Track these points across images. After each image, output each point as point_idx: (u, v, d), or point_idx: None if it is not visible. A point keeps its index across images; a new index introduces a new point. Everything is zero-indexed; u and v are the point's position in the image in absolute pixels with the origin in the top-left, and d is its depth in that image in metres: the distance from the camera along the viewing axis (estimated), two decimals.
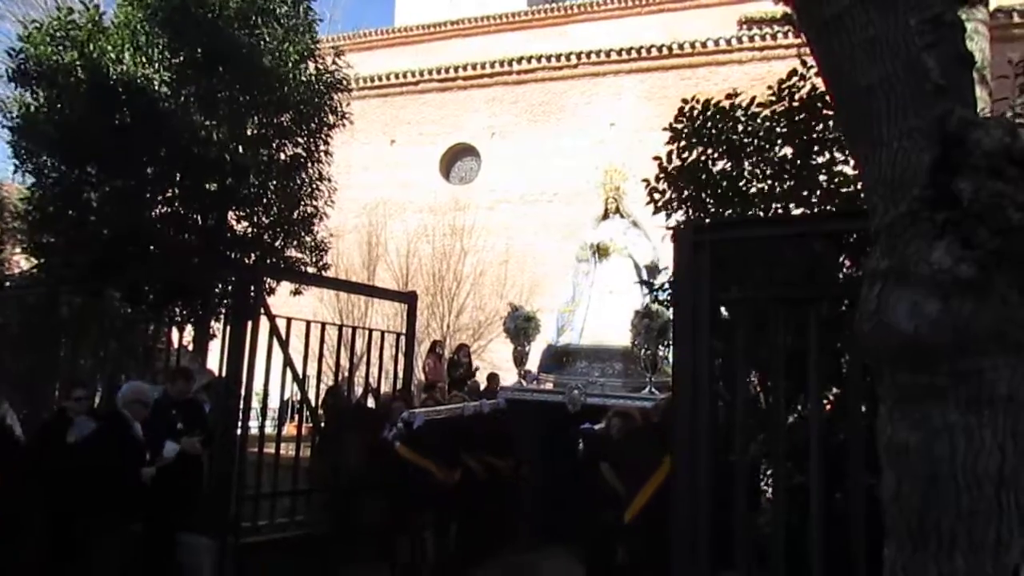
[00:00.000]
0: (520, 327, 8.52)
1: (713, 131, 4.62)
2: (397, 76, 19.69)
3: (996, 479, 1.88)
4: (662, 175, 4.81)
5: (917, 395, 1.95)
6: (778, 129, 4.47)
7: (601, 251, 8.52)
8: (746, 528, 3.55)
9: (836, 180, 4.27)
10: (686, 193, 4.72)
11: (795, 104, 4.44)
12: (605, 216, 9.08)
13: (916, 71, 1.99)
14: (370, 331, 7.79)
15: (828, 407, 4.07)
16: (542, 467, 7.88)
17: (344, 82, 9.31)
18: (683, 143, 4.71)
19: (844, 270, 4.08)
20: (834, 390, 4.11)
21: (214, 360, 7.41)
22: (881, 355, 2.05)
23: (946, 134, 1.93)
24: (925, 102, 1.98)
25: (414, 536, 6.58)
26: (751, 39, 16.65)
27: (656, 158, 4.86)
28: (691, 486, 3.56)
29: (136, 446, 5.42)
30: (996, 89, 4.74)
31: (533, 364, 9.05)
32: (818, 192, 4.34)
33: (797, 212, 4.32)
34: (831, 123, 4.23)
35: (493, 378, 11.07)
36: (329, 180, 9.33)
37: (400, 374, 7.89)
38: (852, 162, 3.71)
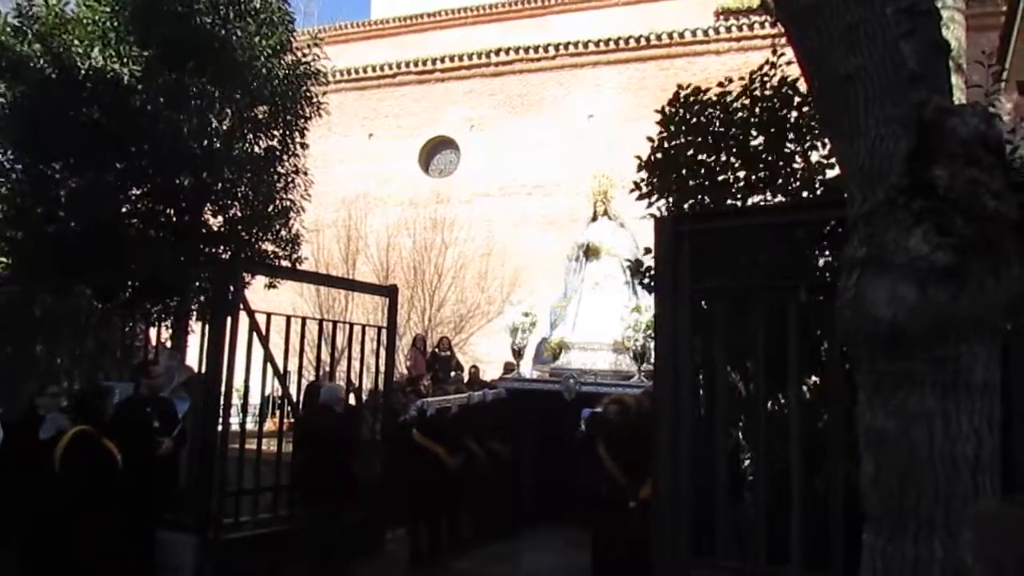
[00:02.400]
0: (518, 323, 9.22)
1: (693, 121, 4.63)
2: (374, 69, 19.53)
3: (972, 463, 1.90)
4: (644, 164, 4.81)
5: (895, 381, 1.96)
6: (752, 119, 4.49)
7: (591, 251, 9.20)
8: (726, 514, 3.57)
9: (811, 167, 4.29)
10: (667, 182, 4.72)
11: (766, 92, 4.47)
12: (594, 218, 9.74)
13: (893, 59, 2.00)
14: (351, 325, 7.74)
15: (809, 394, 4.11)
16: (538, 451, 8.43)
17: (320, 73, 9.20)
18: (668, 132, 4.71)
19: (823, 258, 4.11)
20: (813, 378, 4.15)
21: (193, 356, 7.34)
22: (860, 342, 2.06)
23: (922, 122, 1.94)
24: (901, 90, 1.99)
25: (431, 521, 7.03)
26: (728, 30, 16.72)
27: (640, 154, 4.86)
28: (672, 472, 3.58)
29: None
30: (971, 77, 4.79)
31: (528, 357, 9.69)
32: (793, 181, 4.37)
33: (775, 201, 4.34)
34: (804, 111, 4.26)
35: (475, 371, 11.11)
36: (305, 173, 9.23)
37: (382, 368, 7.85)
38: (826, 149, 3.74)
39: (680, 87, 4.84)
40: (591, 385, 7.98)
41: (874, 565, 2.01)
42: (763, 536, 3.34)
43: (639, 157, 4.85)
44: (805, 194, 4.26)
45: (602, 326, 8.71)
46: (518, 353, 9.22)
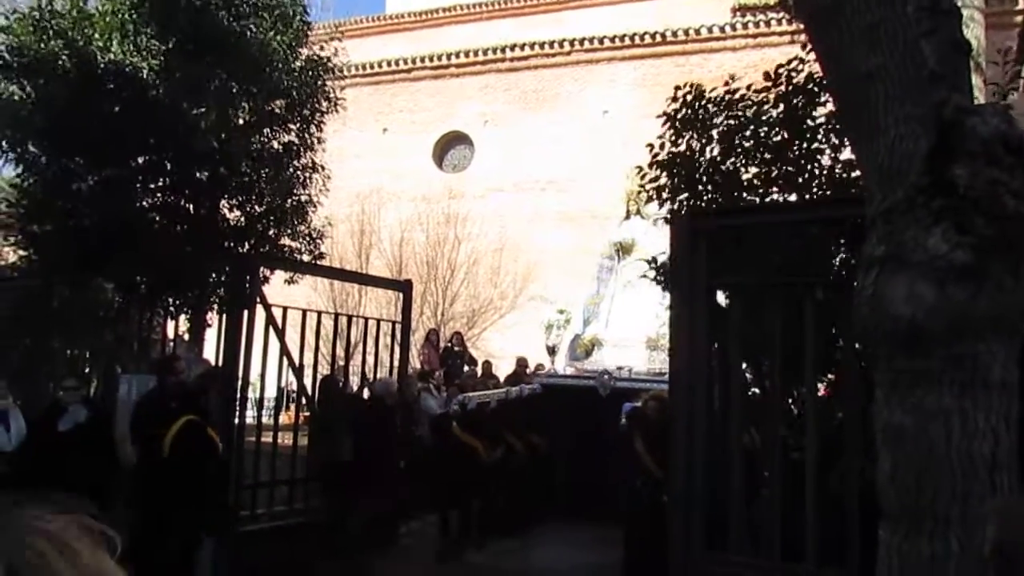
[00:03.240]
0: (553, 321, 9.81)
1: (706, 117, 4.62)
2: (389, 63, 19.57)
3: (989, 462, 1.91)
4: (654, 162, 4.81)
5: (913, 379, 1.97)
6: (774, 113, 4.47)
7: (624, 249, 9.52)
8: (740, 510, 3.59)
9: (833, 167, 4.28)
10: (677, 180, 4.72)
11: (791, 88, 4.44)
12: (627, 217, 10.02)
13: (914, 58, 2.00)
14: (366, 320, 7.79)
15: (824, 392, 4.11)
16: (572, 447, 8.57)
17: (337, 69, 9.25)
18: (677, 129, 4.70)
19: (840, 256, 4.11)
20: (829, 375, 4.15)
21: (210, 350, 7.41)
22: (878, 340, 2.07)
23: (943, 121, 1.95)
24: (922, 89, 2.00)
25: (464, 510, 7.22)
26: (744, 26, 16.62)
27: (651, 146, 4.86)
28: (687, 469, 3.60)
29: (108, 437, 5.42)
30: (990, 76, 4.75)
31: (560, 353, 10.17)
32: (813, 179, 4.35)
33: (793, 199, 4.33)
34: (828, 108, 4.24)
35: (487, 365, 11.14)
36: (322, 168, 9.28)
37: (395, 363, 7.90)
38: (848, 148, 3.73)
39: (678, 87, 4.83)
40: (625, 381, 8.13)
41: (890, 562, 2.02)
42: (777, 532, 3.36)
43: (650, 145, 4.82)
44: (829, 192, 4.25)
45: (636, 323, 8.89)
46: (552, 350, 9.65)
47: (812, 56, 3.35)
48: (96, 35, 7.62)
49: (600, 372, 8.44)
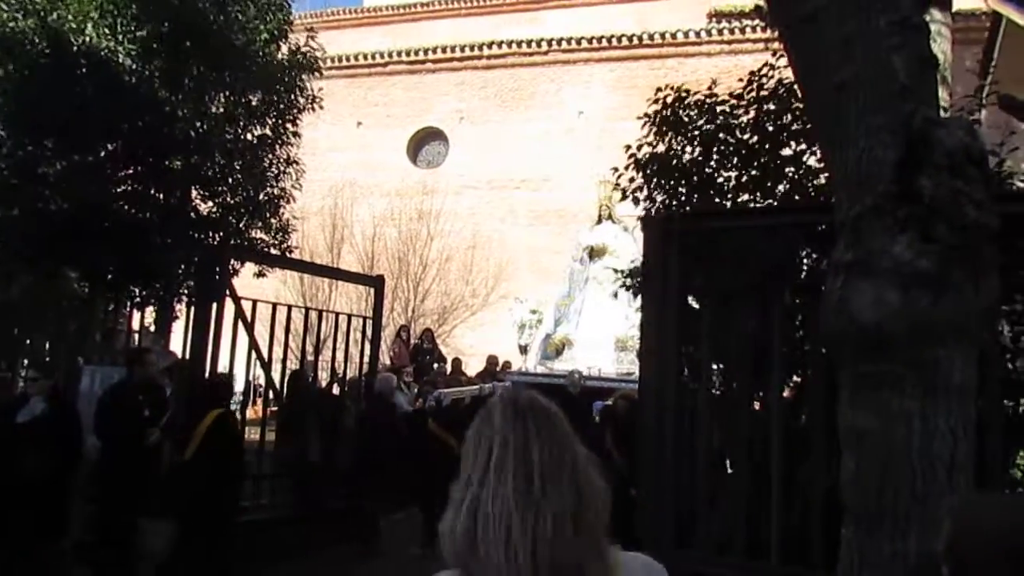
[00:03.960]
0: (525, 320, 10.21)
1: (685, 120, 4.68)
2: (365, 57, 19.44)
3: (948, 463, 1.97)
4: (631, 162, 4.85)
5: (876, 382, 2.03)
6: (744, 118, 4.54)
7: (596, 252, 9.82)
8: (708, 509, 3.65)
9: (804, 172, 4.35)
10: (655, 181, 4.77)
11: (764, 93, 4.52)
12: (599, 221, 10.36)
13: (884, 71, 2.06)
14: (336, 315, 7.74)
15: (790, 394, 4.19)
16: None
17: (316, 64, 9.17)
18: (655, 130, 4.75)
19: (810, 261, 4.19)
20: (796, 378, 4.23)
21: (177, 342, 7.32)
22: (843, 344, 2.13)
23: (911, 133, 2.01)
24: (892, 101, 2.05)
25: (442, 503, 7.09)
26: (720, 32, 16.82)
27: (628, 148, 4.91)
28: (656, 467, 3.64)
29: (72, 430, 5.33)
30: (955, 90, 4.88)
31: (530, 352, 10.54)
32: (783, 183, 4.43)
33: (765, 203, 4.41)
34: (799, 115, 4.31)
35: (457, 363, 11.16)
36: (296, 163, 9.21)
37: (366, 358, 7.86)
38: (819, 154, 3.81)
39: (659, 89, 4.89)
40: (595, 380, 8.37)
41: (852, 560, 2.08)
42: (743, 530, 3.42)
43: (628, 146, 4.87)
44: (796, 197, 4.33)
45: (605, 324, 9.13)
46: (524, 349, 9.96)
47: (783, 63, 3.42)
48: (70, 16, 7.46)
49: (570, 372, 8.60)
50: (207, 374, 6.12)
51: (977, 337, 2.10)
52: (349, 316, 7.84)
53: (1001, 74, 8.07)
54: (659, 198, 4.66)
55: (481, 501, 1.04)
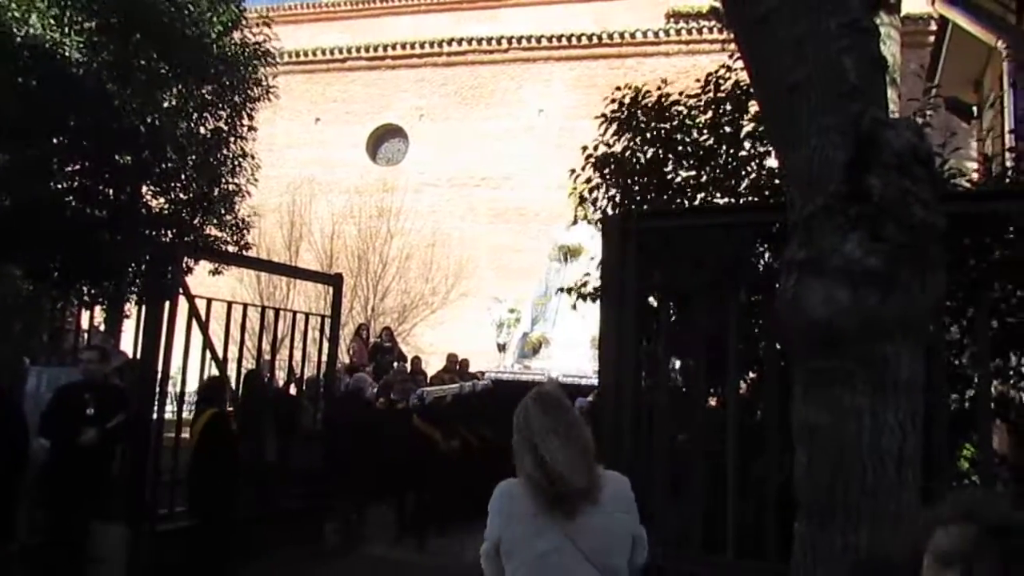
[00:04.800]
0: (504, 319, 10.58)
1: (643, 120, 4.70)
2: (324, 52, 19.21)
3: (897, 457, 2.02)
4: (588, 163, 4.86)
5: (828, 378, 2.07)
6: (702, 118, 4.59)
7: (572, 252, 10.19)
8: (665, 506, 3.68)
9: (762, 172, 4.42)
10: (613, 180, 4.79)
11: (720, 95, 4.57)
12: (574, 222, 10.44)
13: (835, 72, 2.09)
14: (294, 313, 7.63)
15: (747, 391, 4.25)
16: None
17: (270, 55, 9.02)
18: (614, 129, 4.77)
19: (765, 260, 4.25)
20: (752, 375, 4.29)
21: (128, 341, 7.13)
22: (796, 341, 2.17)
23: (860, 133, 2.04)
24: (842, 102, 2.09)
25: (420, 494, 7.63)
26: (678, 32, 17.00)
27: (583, 147, 4.92)
28: (614, 466, 3.66)
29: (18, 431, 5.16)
30: (904, 91, 5.00)
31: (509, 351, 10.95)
32: (740, 183, 4.49)
33: (722, 202, 4.46)
34: (755, 116, 4.37)
35: (417, 361, 11.09)
36: (252, 157, 9.04)
37: (324, 357, 7.77)
38: (772, 155, 3.87)
39: (617, 88, 4.91)
40: (574, 377, 8.62)
41: (804, 553, 2.11)
42: (700, 526, 3.46)
43: (585, 147, 4.89)
44: (755, 198, 4.38)
45: (582, 324, 9.24)
46: (502, 347, 10.27)
47: (740, 64, 3.47)
48: (14, 6, 7.21)
49: (548, 370, 9.08)
50: (159, 375, 5.98)
51: (924, 333, 2.16)
52: (307, 315, 7.72)
53: (947, 77, 8.31)
54: (617, 198, 4.68)
55: (544, 446, 2.07)
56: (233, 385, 7.37)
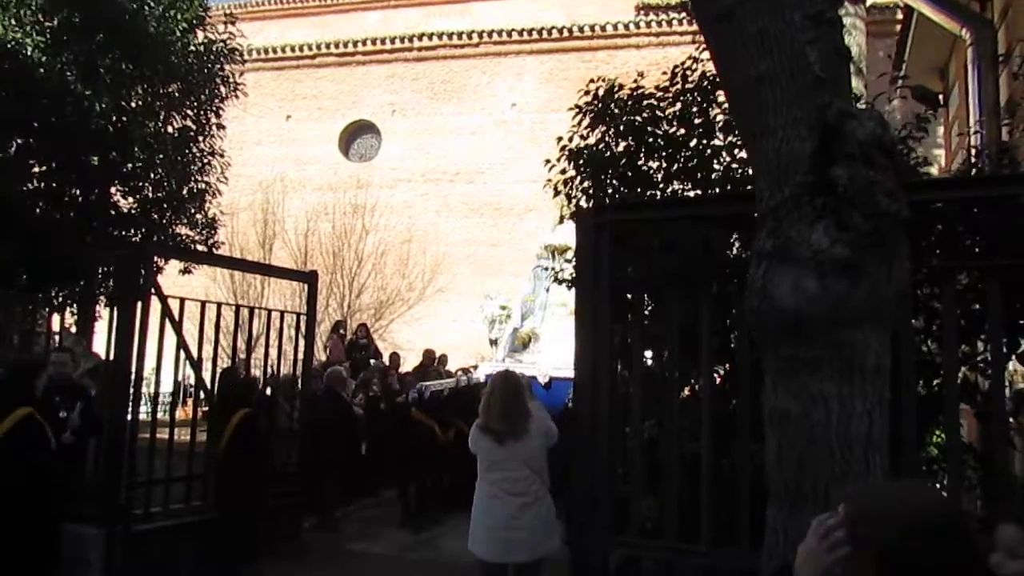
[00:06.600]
0: (495, 315, 10.90)
1: (616, 111, 4.72)
2: (293, 49, 19.01)
3: (864, 442, 2.06)
4: (563, 155, 4.87)
5: (797, 366, 2.10)
6: (671, 110, 4.62)
7: (558, 251, 10.30)
8: (641, 495, 3.72)
9: (733, 162, 4.46)
10: (587, 172, 4.80)
11: (688, 86, 4.60)
12: (561, 221, 10.91)
13: (800, 64, 2.12)
14: (269, 311, 7.56)
15: (721, 380, 4.30)
16: None
17: (236, 52, 8.91)
18: (588, 122, 4.78)
19: (736, 250, 4.29)
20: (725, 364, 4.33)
21: (100, 343, 7.03)
22: (766, 329, 2.20)
23: (825, 125, 2.07)
24: (807, 94, 2.12)
25: (420, 484, 8.03)
26: (648, 24, 17.07)
27: (559, 138, 4.93)
28: (590, 458, 3.69)
29: None
30: (870, 81, 5.07)
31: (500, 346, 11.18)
32: (711, 174, 4.53)
33: (694, 194, 4.50)
34: (722, 107, 4.41)
35: (394, 358, 11.04)
36: (221, 155, 8.93)
37: (300, 355, 7.71)
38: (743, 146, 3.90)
39: (591, 81, 4.92)
40: (564, 369, 8.68)
41: (776, 539, 2.15)
42: (675, 515, 3.50)
43: (560, 138, 4.90)
44: (723, 187, 4.42)
45: (570, 319, 9.67)
46: (494, 343, 10.61)
47: (707, 55, 3.50)
48: None
49: (540, 364, 9.40)
50: (134, 375, 5.90)
51: (890, 320, 2.20)
52: (282, 313, 7.66)
53: (913, 66, 8.44)
54: (590, 190, 4.70)
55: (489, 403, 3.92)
56: (208, 385, 7.31)
